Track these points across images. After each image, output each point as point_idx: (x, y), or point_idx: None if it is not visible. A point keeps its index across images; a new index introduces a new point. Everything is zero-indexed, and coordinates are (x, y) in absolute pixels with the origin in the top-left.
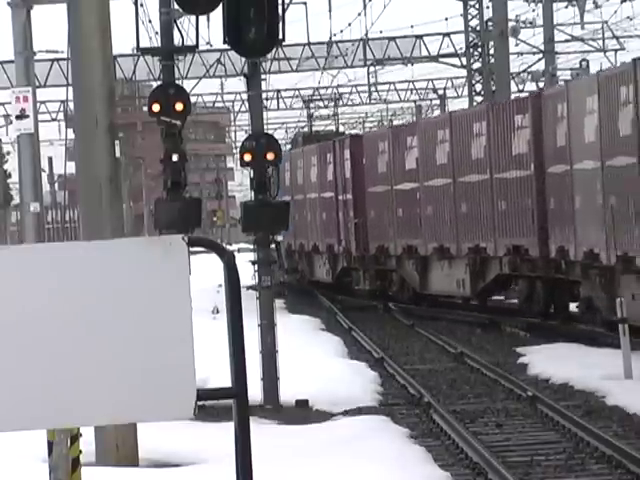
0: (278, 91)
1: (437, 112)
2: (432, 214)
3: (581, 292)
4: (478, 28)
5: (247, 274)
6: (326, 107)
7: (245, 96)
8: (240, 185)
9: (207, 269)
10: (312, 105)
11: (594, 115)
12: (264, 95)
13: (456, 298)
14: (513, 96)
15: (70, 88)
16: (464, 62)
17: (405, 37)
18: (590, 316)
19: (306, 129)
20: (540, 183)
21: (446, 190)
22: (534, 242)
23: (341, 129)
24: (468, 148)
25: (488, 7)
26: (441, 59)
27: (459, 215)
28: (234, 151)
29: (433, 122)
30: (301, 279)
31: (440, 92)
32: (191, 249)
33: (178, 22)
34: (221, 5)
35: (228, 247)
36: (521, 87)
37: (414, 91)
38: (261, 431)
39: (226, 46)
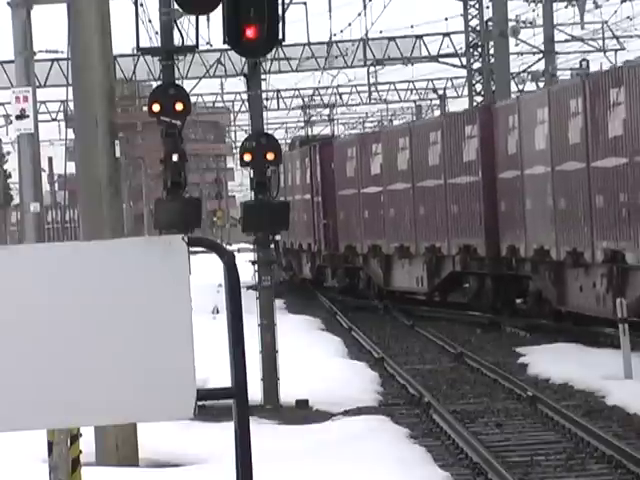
0: (278, 91)
1: (437, 112)
2: (394, 216)
3: (530, 286)
4: (478, 28)
5: (247, 274)
6: (326, 107)
7: (245, 96)
8: (240, 185)
9: (207, 269)
10: (310, 110)
11: (544, 125)
12: (264, 95)
13: (417, 294)
14: (513, 96)
15: (70, 88)
16: (464, 62)
17: (405, 37)
18: (538, 308)
19: (305, 132)
20: (487, 188)
21: (406, 194)
22: (482, 242)
23: (341, 129)
24: (425, 155)
25: (488, 7)
26: (441, 59)
27: (417, 217)
28: (234, 151)
29: (395, 131)
30: (294, 276)
31: (440, 92)
32: (191, 249)
33: (178, 22)
34: (221, 5)
35: (228, 247)
36: (521, 87)
37: (414, 91)
38: (261, 431)
39: (226, 46)
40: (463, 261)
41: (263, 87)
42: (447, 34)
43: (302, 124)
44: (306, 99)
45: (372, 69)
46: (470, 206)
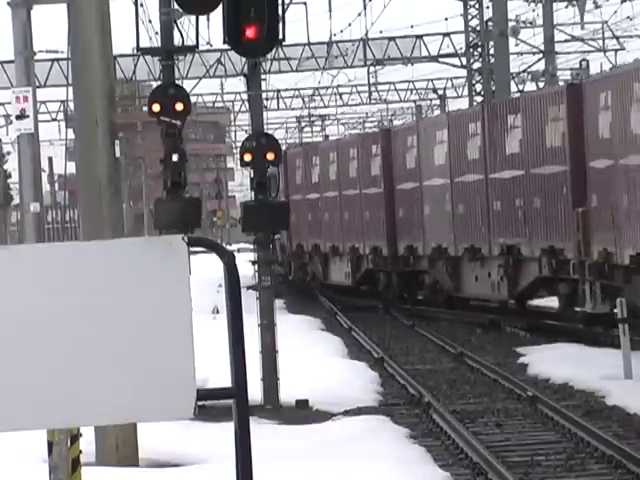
0: (278, 91)
1: (437, 112)
2: (328, 220)
3: (427, 279)
4: (478, 28)
5: (247, 274)
6: (320, 116)
7: (245, 96)
8: (240, 185)
9: (207, 269)
10: (304, 122)
11: (444, 144)
12: (264, 95)
13: (345, 286)
14: (515, 95)
15: (70, 88)
16: (464, 62)
17: (405, 37)
18: (435, 296)
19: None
20: (388, 197)
21: (335, 201)
22: (385, 244)
23: (341, 130)
24: (347, 169)
25: (488, 7)
26: (441, 59)
27: (343, 221)
28: (234, 151)
29: (325, 147)
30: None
31: (440, 92)
32: (191, 249)
33: (178, 22)
34: (221, 5)
35: (228, 247)
36: (521, 87)
37: (414, 91)
38: (261, 431)
39: (226, 46)
40: (373, 260)
41: (263, 87)
42: (447, 34)
43: (302, 124)
44: (306, 99)
45: (372, 69)
46: (377, 213)
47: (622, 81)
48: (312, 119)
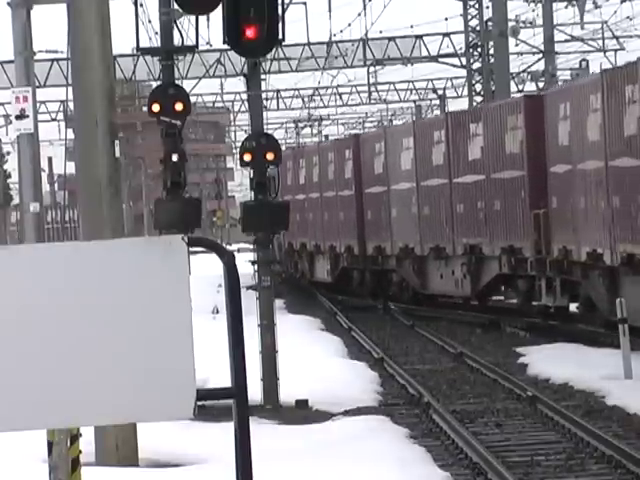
0: (278, 91)
1: (437, 112)
2: (312, 219)
3: (394, 277)
4: (478, 28)
5: (247, 274)
6: (315, 121)
7: (245, 96)
8: (240, 185)
9: (207, 269)
10: (300, 125)
11: (410, 151)
12: (264, 95)
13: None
14: (518, 95)
15: (70, 88)
16: (464, 62)
17: (405, 37)
18: (401, 293)
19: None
20: (359, 200)
21: (316, 202)
22: (356, 243)
23: (341, 130)
24: (327, 172)
25: (488, 7)
26: (441, 59)
27: (324, 222)
28: (234, 151)
29: (309, 150)
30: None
31: (440, 92)
32: (191, 249)
33: (178, 22)
34: (221, 5)
35: (228, 247)
36: (521, 87)
37: (414, 91)
38: (261, 431)
39: (226, 46)
40: (348, 259)
41: (263, 87)
42: (447, 34)
43: (302, 124)
44: (306, 99)
45: (372, 69)
46: (349, 214)
47: (580, 93)
48: (309, 122)
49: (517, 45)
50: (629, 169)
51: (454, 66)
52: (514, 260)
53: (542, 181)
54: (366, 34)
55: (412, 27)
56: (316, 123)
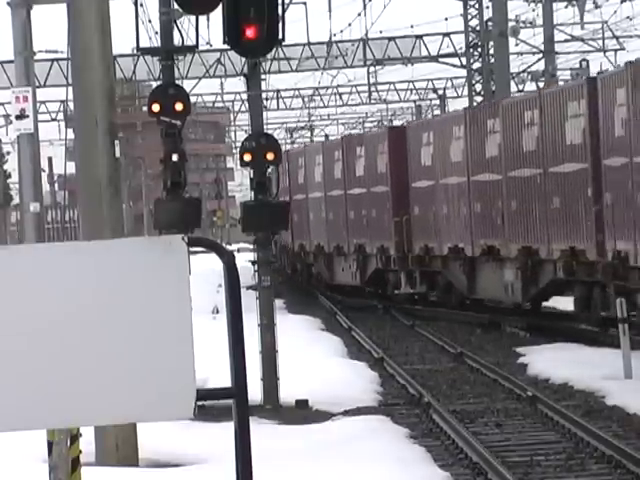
0: (278, 91)
1: (437, 112)
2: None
3: (313, 270)
4: (478, 28)
5: (247, 274)
6: (310, 128)
7: (245, 96)
8: (240, 185)
9: (207, 269)
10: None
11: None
12: (264, 95)
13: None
14: (513, 95)
15: (70, 88)
16: (464, 62)
17: (405, 37)
18: (316, 283)
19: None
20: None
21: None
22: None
23: (341, 129)
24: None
25: (488, 7)
26: (441, 59)
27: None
28: (234, 151)
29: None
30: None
31: (440, 92)
32: (191, 249)
33: (178, 22)
34: (221, 5)
35: (228, 247)
36: (521, 87)
37: (414, 91)
38: (261, 431)
39: (226, 46)
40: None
41: (263, 87)
42: (447, 34)
43: (302, 124)
44: (306, 99)
45: (372, 69)
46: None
47: (443, 124)
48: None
49: (517, 45)
50: (490, 182)
51: (454, 66)
52: (384, 258)
53: (404, 194)
54: (366, 34)
55: (412, 27)
56: (308, 131)
